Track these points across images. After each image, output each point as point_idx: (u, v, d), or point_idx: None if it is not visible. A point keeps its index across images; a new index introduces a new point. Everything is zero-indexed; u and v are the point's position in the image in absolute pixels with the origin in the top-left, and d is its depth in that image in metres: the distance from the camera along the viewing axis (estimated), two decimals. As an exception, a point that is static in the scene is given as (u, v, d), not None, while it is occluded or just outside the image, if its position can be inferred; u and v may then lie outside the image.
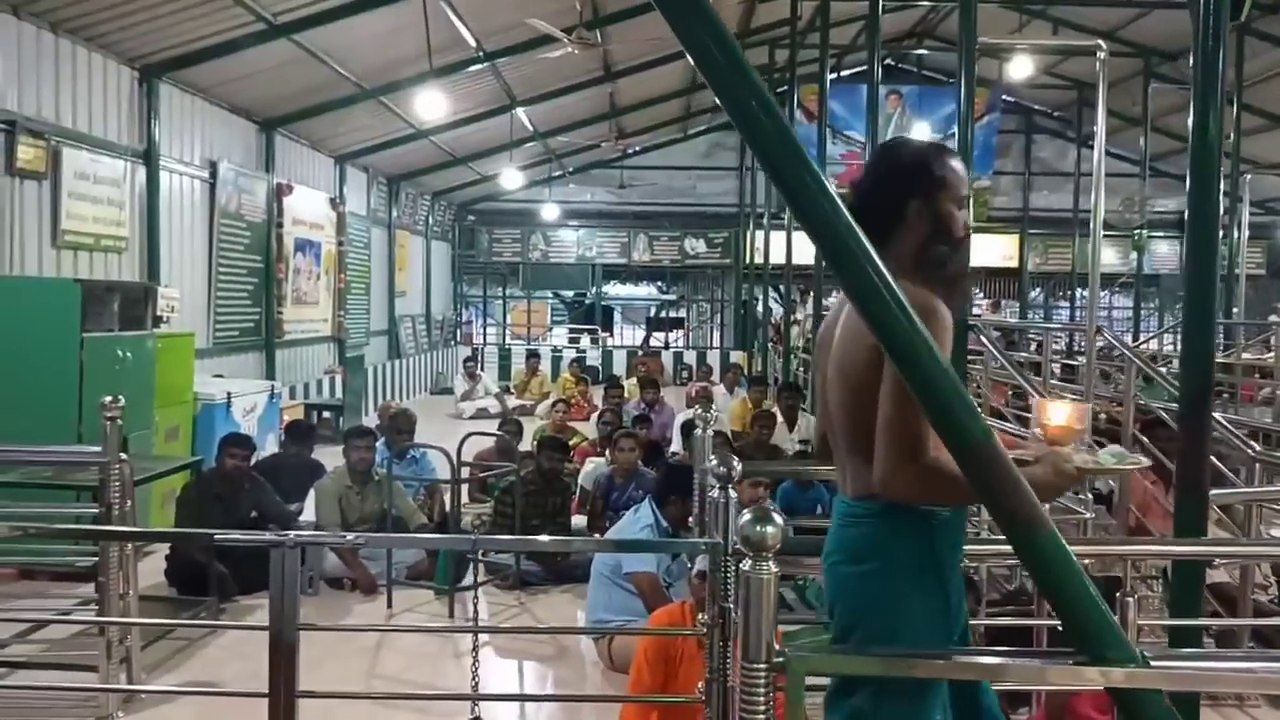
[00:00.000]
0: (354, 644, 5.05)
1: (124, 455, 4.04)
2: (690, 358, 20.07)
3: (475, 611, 4.19)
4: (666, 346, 21.31)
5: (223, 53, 8.55)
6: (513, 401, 14.39)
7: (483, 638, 5.14)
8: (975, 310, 21.23)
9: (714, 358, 19.42)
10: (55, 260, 7.28)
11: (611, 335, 23.94)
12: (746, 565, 1.65)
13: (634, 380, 13.27)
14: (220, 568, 5.47)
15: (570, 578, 5.95)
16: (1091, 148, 19.93)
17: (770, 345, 15.73)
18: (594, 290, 20.89)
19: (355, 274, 13.81)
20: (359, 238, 14.03)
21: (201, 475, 6.05)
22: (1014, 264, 20.55)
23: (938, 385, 1.62)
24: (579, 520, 6.67)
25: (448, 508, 6.46)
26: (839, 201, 1.61)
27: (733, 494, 2.84)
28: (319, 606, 5.58)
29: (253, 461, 6.48)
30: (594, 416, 10.08)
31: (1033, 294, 21.47)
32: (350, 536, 2.98)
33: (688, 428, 7.60)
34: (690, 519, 4.61)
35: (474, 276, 21.30)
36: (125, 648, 4.10)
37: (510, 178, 16.18)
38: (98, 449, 4.05)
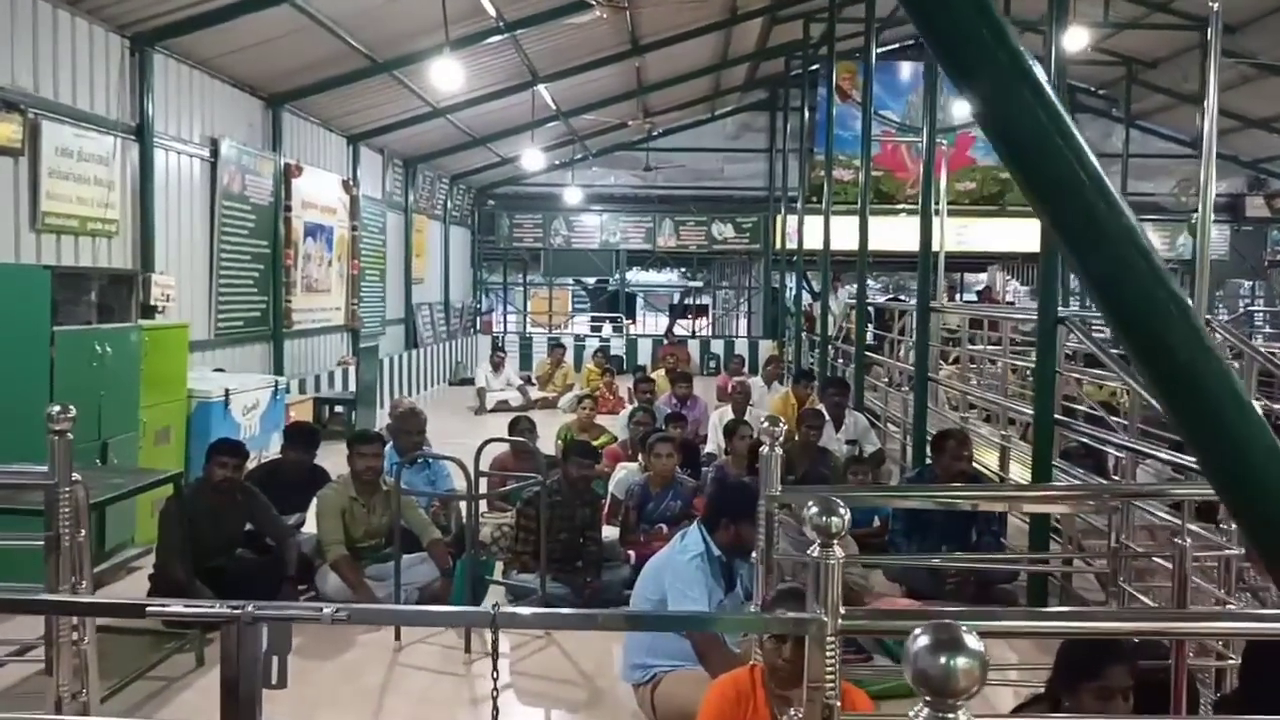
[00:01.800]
0: (356, 684, 4.44)
1: (77, 475, 3.36)
2: (717, 346, 19.74)
3: (495, 649, 3.67)
4: (693, 335, 20.79)
5: (220, 19, 7.94)
6: (535, 393, 14.07)
7: (504, 677, 4.53)
8: (1009, 299, 20.63)
9: (741, 347, 19.05)
10: (35, 245, 6.65)
11: (634, 323, 23.54)
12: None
13: (661, 373, 12.77)
14: (207, 593, 4.87)
15: (603, 602, 5.40)
16: (1141, 128, 19.06)
17: (803, 335, 15.07)
18: (617, 277, 20.47)
19: (369, 260, 13.50)
20: (374, 222, 13.69)
21: (187, 486, 5.42)
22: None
23: None
24: (609, 531, 6.10)
25: (464, 519, 5.91)
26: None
27: (839, 552, 2.13)
28: (315, 637, 4.98)
29: (250, 467, 6.00)
30: (623, 413, 9.55)
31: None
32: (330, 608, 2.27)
33: (731, 429, 6.97)
34: (749, 548, 3.98)
35: (494, 263, 21.07)
36: (83, 699, 3.43)
37: (532, 159, 15.79)
38: (44, 468, 3.37)
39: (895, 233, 15.77)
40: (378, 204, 13.83)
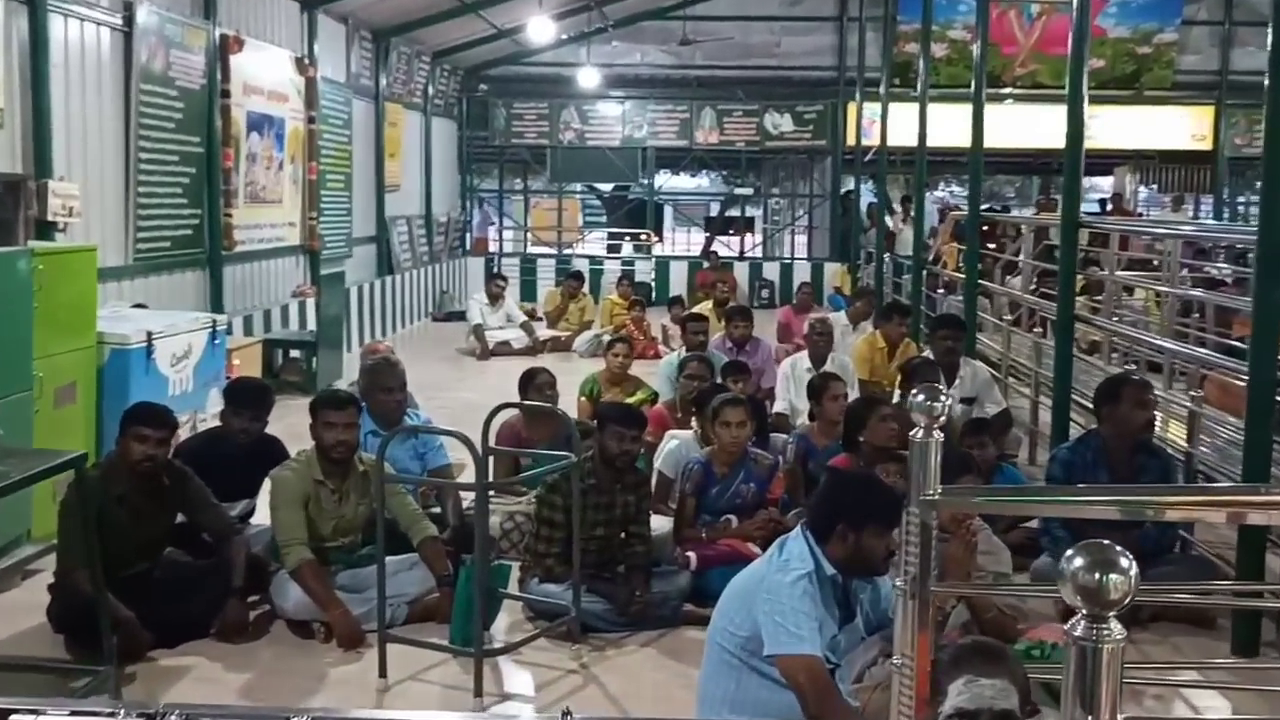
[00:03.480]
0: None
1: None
2: (770, 271, 19.60)
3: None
4: (741, 256, 20.51)
5: None
6: (543, 332, 14.04)
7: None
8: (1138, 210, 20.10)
9: (800, 273, 18.92)
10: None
11: (660, 241, 23.27)
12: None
13: (708, 305, 12.66)
14: (123, 611, 4.58)
15: (656, 620, 5.20)
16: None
17: (887, 258, 14.74)
18: (644, 182, 20.31)
19: (332, 162, 13.49)
20: (336, 113, 13.63)
21: (97, 466, 5.14)
22: (1206, 145, 19.53)
23: None
24: (659, 523, 5.81)
25: (461, 508, 5.88)
26: None
27: (1117, 630, 1.63)
28: (276, 665, 4.68)
29: (182, 439, 5.87)
30: (663, 361, 9.31)
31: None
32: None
33: (819, 385, 6.67)
34: (876, 566, 3.81)
35: (487, 165, 21.08)
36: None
37: (538, 29, 15.71)
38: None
39: (999, 124, 15.26)
40: (341, 89, 13.77)
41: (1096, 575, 1.59)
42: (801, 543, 3.76)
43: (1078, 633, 1.58)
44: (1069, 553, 1.62)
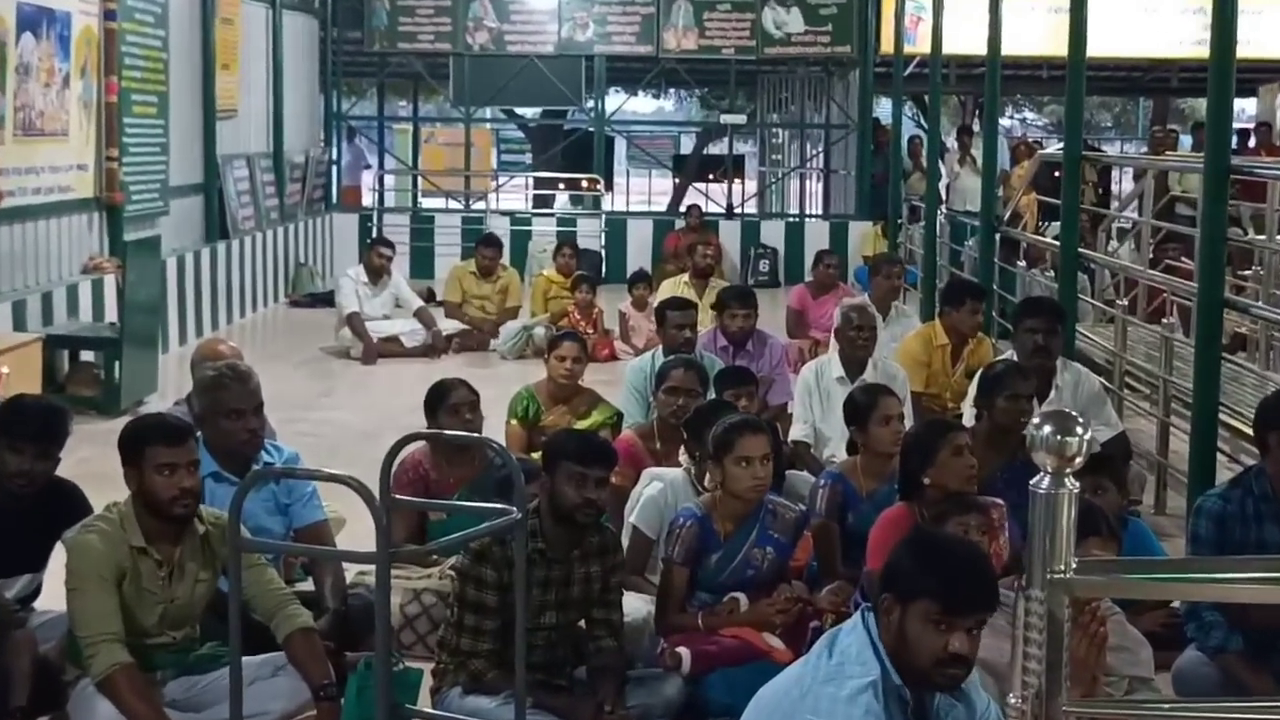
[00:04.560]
0: None
1: None
2: (772, 233, 19.57)
3: None
4: (729, 212, 20.60)
5: None
6: (447, 324, 14.15)
7: None
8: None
9: (816, 235, 18.96)
10: None
11: (613, 191, 23.44)
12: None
13: (680, 280, 12.90)
14: None
15: None
16: None
17: (941, 214, 15.03)
18: (590, 107, 20.32)
19: (140, 77, 13.61)
20: (145, 6, 13.68)
21: None
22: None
23: None
24: (636, 605, 5.93)
25: (350, 584, 6.04)
26: None
27: None
28: None
29: None
30: (633, 363, 9.40)
31: None
32: None
33: (862, 405, 6.64)
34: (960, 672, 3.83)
35: (363, 81, 20.64)
36: None
37: None
38: None
39: (1095, 26, 15.45)
40: (152, -28, 13.81)
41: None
42: (861, 636, 3.81)
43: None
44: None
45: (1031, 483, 2.83)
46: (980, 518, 5.35)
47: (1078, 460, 2.79)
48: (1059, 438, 2.76)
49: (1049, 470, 2.79)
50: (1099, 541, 4.99)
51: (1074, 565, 2.83)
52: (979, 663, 3.86)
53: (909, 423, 6.84)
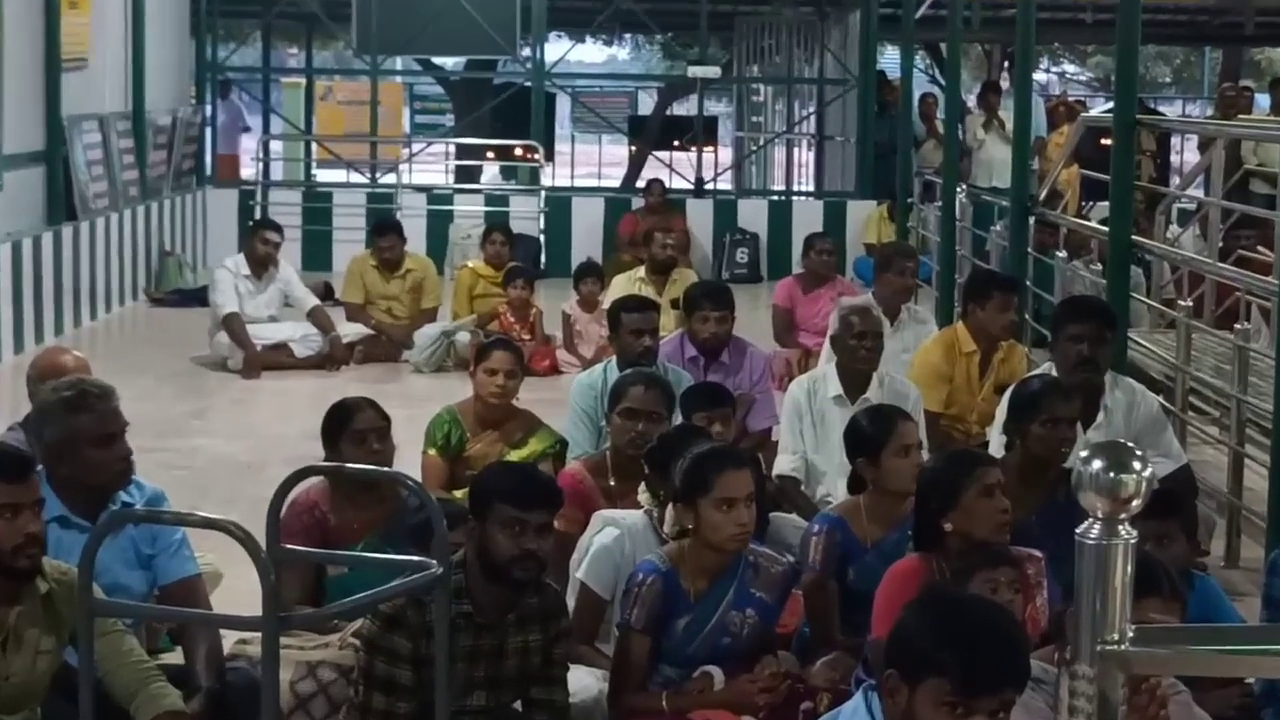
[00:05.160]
0: None
1: None
2: (752, 215, 19.85)
3: None
4: (699, 189, 20.59)
5: None
6: (347, 328, 14.35)
7: None
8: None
9: (807, 215, 19.24)
10: None
11: (553, 162, 23.80)
12: None
13: (637, 274, 13.29)
14: None
15: None
16: None
17: (961, 191, 15.12)
18: (525, 57, 20.63)
19: None
20: None
21: None
22: None
23: None
24: (586, 683, 6.03)
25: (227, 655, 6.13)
26: None
27: None
28: None
29: None
30: (580, 377, 9.53)
31: None
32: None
33: (869, 429, 6.68)
34: None
35: (242, 25, 20.78)
36: None
37: None
38: None
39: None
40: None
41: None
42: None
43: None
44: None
45: (1078, 531, 2.82)
46: (1013, 572, 5.35)
47: (1135, 503, 2.77)
48: (1112, 475, 2.76)
49: (1100, 516, 2.78)
50: (1160, 603, 5.00)
51: (1130, 634, 2.83)
52: None
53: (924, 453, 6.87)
